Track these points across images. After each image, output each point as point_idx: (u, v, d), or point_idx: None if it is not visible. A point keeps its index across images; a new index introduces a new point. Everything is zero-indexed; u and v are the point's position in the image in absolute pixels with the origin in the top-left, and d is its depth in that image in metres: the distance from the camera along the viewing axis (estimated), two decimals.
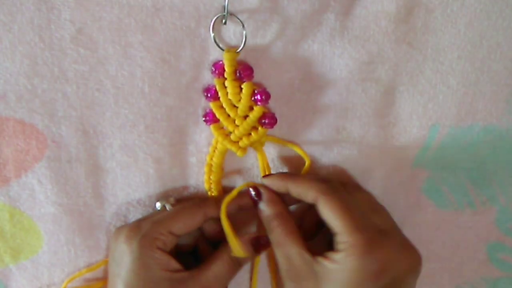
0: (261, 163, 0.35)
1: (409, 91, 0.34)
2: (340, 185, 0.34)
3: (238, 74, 0.31)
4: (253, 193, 0.34)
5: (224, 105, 0.32)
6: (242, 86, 0.31)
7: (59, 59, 0.30)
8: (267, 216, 0.33)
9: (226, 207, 0.32)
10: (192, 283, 0.32)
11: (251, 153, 0.35)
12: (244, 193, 0.34)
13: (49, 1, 0.28)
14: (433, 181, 0.39)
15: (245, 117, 0.33)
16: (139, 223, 0.33)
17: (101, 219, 0.36)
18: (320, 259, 0.30)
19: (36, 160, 0.33)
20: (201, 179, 0.36)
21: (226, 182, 0.36)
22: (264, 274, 0.40)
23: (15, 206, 0.35)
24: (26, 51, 0.29)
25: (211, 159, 0.34)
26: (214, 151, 0.34)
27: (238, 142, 0.33)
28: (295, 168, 0.36)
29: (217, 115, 0.32)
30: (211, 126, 0.33)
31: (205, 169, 0.35)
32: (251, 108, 0.32)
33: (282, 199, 0.34)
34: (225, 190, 0.36)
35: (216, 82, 0.32)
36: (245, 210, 0.34)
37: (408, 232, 0.33)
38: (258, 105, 0.32)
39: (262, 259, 0.39)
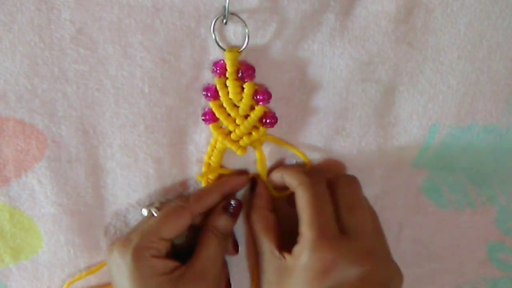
0: (259, 161, 0.35)
1: (409, 91, 0.34)
2: (326, 180, 0.33)
3: (239, 74, 0.31)
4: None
5: (224, 105, 0.32)
6: (244, 86, 0.31)
7: (59, 59, 0.30)
8: (251, 209, 0.35)
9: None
10: (191, 273, 0.32)
11: (250, 152, 0.35)
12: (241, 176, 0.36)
13: (49, 1, 0.28)
14: (433, 181, 0.39)
15: (246, 116, 0.33)
16: (128, 236, 0.32)
17: (101, 219, 0.36)
18: (285, 254, 0.31)
19: (36, 160, 0.33)
20: None
21: None
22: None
23: (15, 206, 0.35)
24: (26, 51, 0.29)
25: (210, 158, 0.34)
26: (212, 150, 0.34)
27: (238, 141, 0.33)
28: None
29: (217, 114, 0.32)
30: (211, 125, 0.33)
31: (203, 168, 0.35)
32: (251, 108, 0.32)
33: (277, 198, 0.35)
34: None
35: (217, 82, 0.31)
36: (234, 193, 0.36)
37: (408, 232, 0.33)
38: (260, 105, 0.32)
39: None
